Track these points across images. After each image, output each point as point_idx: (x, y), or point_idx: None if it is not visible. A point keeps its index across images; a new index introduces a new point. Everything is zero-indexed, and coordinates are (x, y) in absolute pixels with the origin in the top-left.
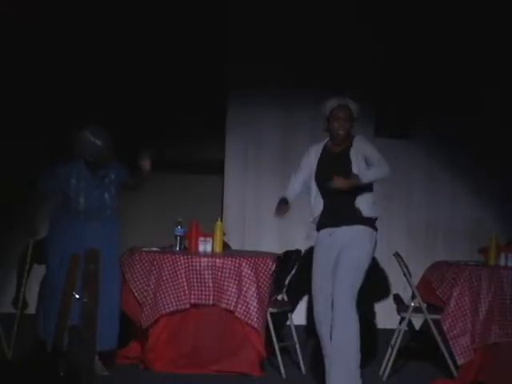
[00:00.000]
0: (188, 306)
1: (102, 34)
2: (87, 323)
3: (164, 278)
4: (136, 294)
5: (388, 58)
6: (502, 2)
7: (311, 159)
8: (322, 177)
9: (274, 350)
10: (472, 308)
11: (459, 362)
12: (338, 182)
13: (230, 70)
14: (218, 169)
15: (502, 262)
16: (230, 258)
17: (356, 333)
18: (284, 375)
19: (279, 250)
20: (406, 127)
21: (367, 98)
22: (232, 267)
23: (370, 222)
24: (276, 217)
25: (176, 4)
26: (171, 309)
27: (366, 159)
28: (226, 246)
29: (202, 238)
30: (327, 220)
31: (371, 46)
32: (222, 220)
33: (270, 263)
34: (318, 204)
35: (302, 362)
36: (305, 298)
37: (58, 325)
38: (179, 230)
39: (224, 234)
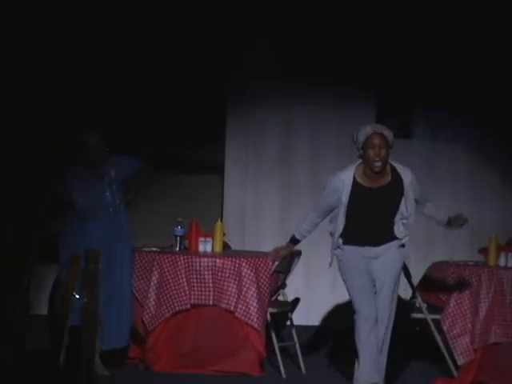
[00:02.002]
0: (189, 306)
1: (102, 35)
2: (87, 323)
3: (165, 278)
4: (137, 294)
5: (388, 57)
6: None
7: (341, 193)
8: (361, 210)
9: (274, 349)
10: (472, 308)
11: (459, 362)
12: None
13: (230, 71)
14: (218, 169)
15: (502, 262)
16: (229, 258)
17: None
18: (284, 375)
19: None
20: (406, 126)
21: (367, 97)
22: (232, 267)
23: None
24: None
25: (176, 5)
26: (173, 311)
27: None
28: (226, 246)
29: (202, 238)
30: (363, 240)
31: (371, 46)
32: (221, 220)
33: (270, 263)
34: (345, 231)
35: (301, 362)
36: (304, 298)
37: (58, 324)
38: (179, 230)
39: (224, 234)
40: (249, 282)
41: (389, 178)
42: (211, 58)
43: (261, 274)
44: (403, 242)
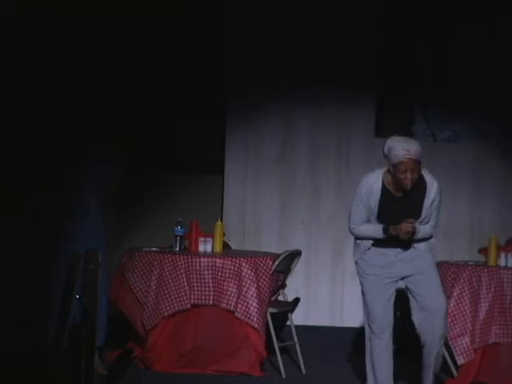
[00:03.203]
0: (189, 306)
1: (102, 39)
2: (87, 323)
3: (164, 278)
4: (137, 294)
5: (388, 57)
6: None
7: (369, 198)
8: (389, 216)
9: (274, 349)
10: (472, 308)
11: (459, 362)
12: (404, 231)
13: (229, 71)
14: (218, 169)
15: (502, 262)
16: (230, 258)
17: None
18: (284, 375)
19: (279, 250)
20: (406, 126)
21: (367, 98)
22: (232, 267)
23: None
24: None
25: (175, 7)
26: (173, 310)
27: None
28: (226, 245)
29: (202, 238)
30: (390, 242)
31: (372, 45)
32: (221, 220)
33: (270, 263)
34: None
35: (302, 362)
36: (304, 298)
37: (59, 325)
38: (179, 230)
39: (224, 234)
40: (249, 281)
41: (414, 187)
42: (210, 58)
43: (261, 274)
44: (424, 246)
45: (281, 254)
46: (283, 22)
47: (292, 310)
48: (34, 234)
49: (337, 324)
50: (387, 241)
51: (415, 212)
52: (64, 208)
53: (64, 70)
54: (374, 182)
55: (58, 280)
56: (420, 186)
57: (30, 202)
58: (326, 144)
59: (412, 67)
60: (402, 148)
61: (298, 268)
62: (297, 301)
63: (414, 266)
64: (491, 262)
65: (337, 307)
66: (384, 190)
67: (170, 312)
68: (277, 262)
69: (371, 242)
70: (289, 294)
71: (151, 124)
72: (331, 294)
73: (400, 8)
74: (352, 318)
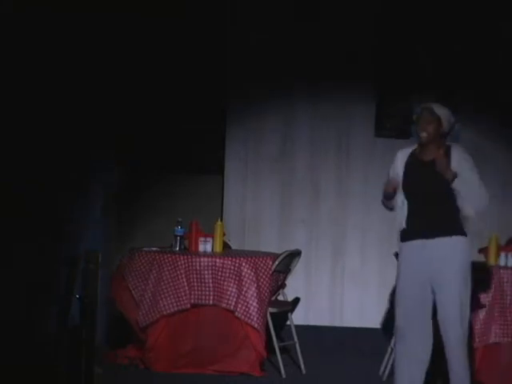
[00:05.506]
0: (188, 306)
1: (102, 39)
2: (87, 323)
3: (164, 278)
4: (133, 292)
5: (388, 57)
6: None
7: (397, 167)
8: (412, 186)
9: (274, 349)
10: (472, 308)
11: None
12: (441, 165)
13: (229, 70)
14: (218, 169)
15: (502, 262)
16: (230, 258)
17: (468, 368)
18: (284, 375)
19: (279, 250)
20: (406, 126)
21: (367, 97)
22: (232, 267)
23: (461, 230)
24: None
25: (175, 7)
26: (172, 309)
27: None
28: (226, 245)
29: (201, 238)
30: (417, 229)
31: (372, 44)
32: (221, 220)
33: (270, 263)
34: (404, 214)
35: (302, 362)
36: (304, 298)
37: (59, 325)
38: (179, 230)
39: (224, 234)
40: (249, 281)
41: (441, 152)
42: (210, 58)
43: (261, 274)
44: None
45: (281, 254)
46: (283, 22)
47: (292, 310)
48: (34, 233)
49: (337, 324)
50: (412, 230)
51: (440, 180)
52: (64, 208)
53: (64, 70)
54: (404, 152)
55: (58, 280)
56: (447, 154)
57: (30, 201)
58: (326, 144)
59: (412, 67)
60: (420, 107)
61: (298, 267)
62: (297, 301)
63: (439, 267)
64: (491, 262)
65: (337, 307)
66: (412, 155)
67: (168, 311)
68: (277, 262)
69: (403, 221)
70: (289, 294)
71: (151, 124)
72: (331, 293)
73: (400, 8)
74: (352, 318)
